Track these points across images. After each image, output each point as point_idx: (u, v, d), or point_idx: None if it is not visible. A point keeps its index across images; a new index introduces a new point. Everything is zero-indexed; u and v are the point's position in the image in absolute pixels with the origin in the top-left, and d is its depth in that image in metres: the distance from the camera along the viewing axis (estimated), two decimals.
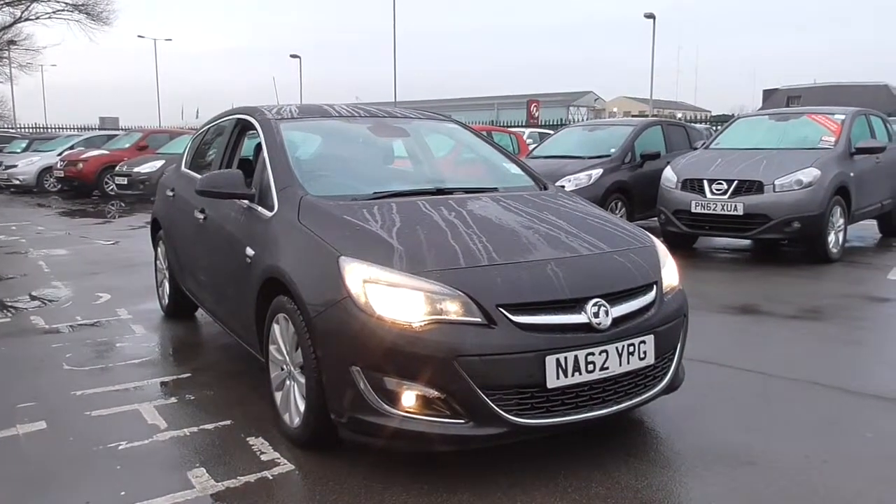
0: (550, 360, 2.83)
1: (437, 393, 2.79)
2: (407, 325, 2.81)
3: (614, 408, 3.01)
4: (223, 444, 3.36)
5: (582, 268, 3.11)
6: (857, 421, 3.54)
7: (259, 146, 4.14)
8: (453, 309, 2.83)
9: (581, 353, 2.88)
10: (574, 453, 3.19)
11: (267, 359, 3.56)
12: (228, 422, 3.61)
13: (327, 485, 2.95)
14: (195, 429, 3.53)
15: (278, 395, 3.48)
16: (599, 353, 2.92)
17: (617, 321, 3.00)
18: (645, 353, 3.07)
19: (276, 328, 3.42)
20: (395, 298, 2.87)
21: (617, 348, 2.96)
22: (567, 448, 3.23)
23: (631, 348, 3.01)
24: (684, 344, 3.38)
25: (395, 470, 3.05)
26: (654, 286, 3.26)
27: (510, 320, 2.82)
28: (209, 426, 3.56)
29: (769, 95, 18.62)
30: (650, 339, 3.10)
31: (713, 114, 33.84)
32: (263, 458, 3.21)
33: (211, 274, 4.44)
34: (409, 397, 2.84)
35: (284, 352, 3.37)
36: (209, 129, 5.39)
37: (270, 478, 3.03)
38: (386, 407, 2.85)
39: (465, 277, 2.92)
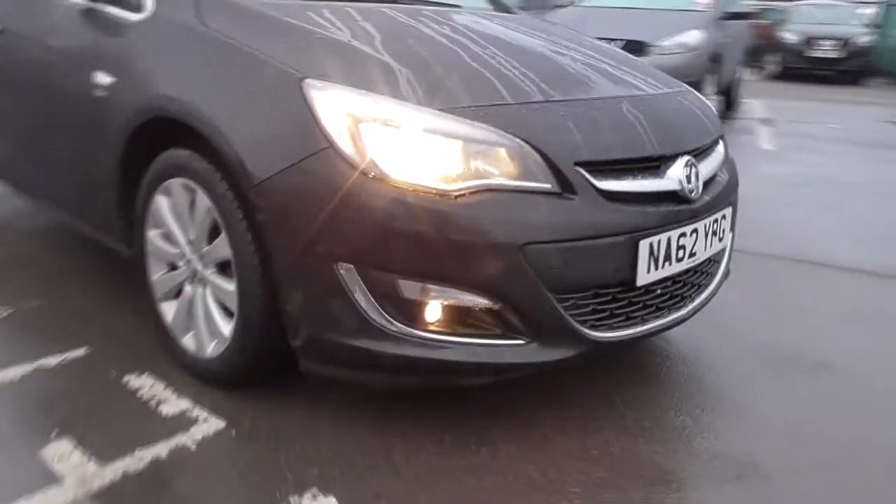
0: (644, 247, 1.88)
1: (486, 302, 1.75)
2: (438, 193, 1.70)
3: (690, 306, 2.15)
4: (89, 392, 2.08)
5: (658, 112, 2.14)
6: None
7: None
8: (512, 169, 1.76)
9: (674, 235, 1.96)
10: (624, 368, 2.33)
11: (143, 252, 2.26)
12: (81, 350, 2.30)
13: (287, 448, 1.85)
14: (28, 367, 2.19)
15: (169, 308, 2.23)
16: (690, 234, 2.02)
17: (704, 188, 2.11)
18: (723, 231, 2.24)
19: (163, 203, 2.14)
20: (413, 150, 1.73)
21: (705, 226, 2.08)
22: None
23: (715, 226, 2.15)
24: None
25: (366, 411, 2.01)
26: (721, 141, 2.40)
27: (594, 187, 1.81)
28: (51, 360, 2.23)
29: None
30: (729, 212, 2.26)
31: None
32: (165, 410, 2.00)
33: (18, 119, 2.88)
34: (435, 309, 1.77)
35: (183, 241, 2.11)
36: None
37: (193, 448, 1.85)
38: (398, 325, 1.77)
39: (522, 120, 1.84)
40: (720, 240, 2.21)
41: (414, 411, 2.03)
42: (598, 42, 2.73)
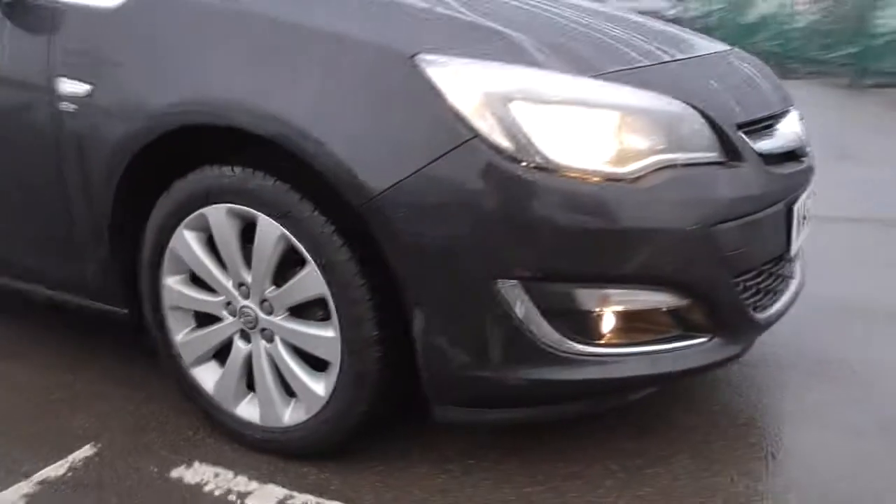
0: (794, 213, 1.69)
1: (672, 299, 1.47)
2: (612, 178, 1.39)
3: (801, 271, 1.99)
4: (134, 500, 1.56)
5: (755, 66, 1.95)
6: None
7: None
8: (682, 139, 1.48)
9: (803, 197, 1.78)
10: None
11: (156, 307, 1.74)
12: (87, 448, 1.74)
13: None
14: (26, 483, 1.61)
15: (207, 374, 1.74)
16: (807, 197, 1.86)
17: None
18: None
19: (190, 240, 1.64)
20: (575, 128, 1.40)
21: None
22: None
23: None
24: None
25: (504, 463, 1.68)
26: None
27: (755, 152, 1.58)
28: (53, 471, 1.66)
29: None
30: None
31: None
32: None
33: None
34: (611, 319, 1.47)
35: (229, 285, 1.63)
36: None
37: None
38: (576, 345, 1.44)
39: (672, 81, 1.57)
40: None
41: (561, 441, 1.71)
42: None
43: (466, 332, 1.43)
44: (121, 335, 2.21)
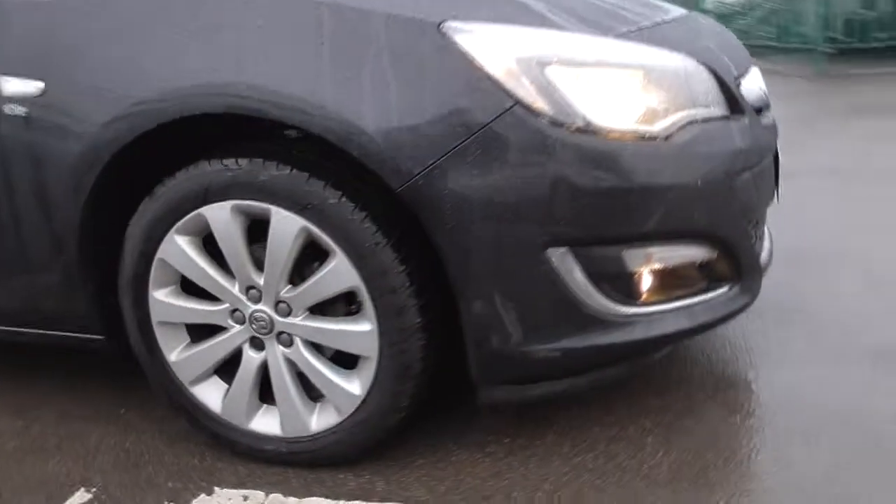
0: (779, 160, 1.77)
1: (705, 251, 1.50)
2: (648, 137, 1.39)
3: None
4: None
5: (717, 26, 2.02)
6: None
7: None
8: (698, 95, 1.50)
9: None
10: None
11: (144, 327, 1.56)
12: (80, 495, 1.54)
13: None
14: None
15: (210, 391, 1.60)
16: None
17: None
18: None
19: (184, 246, 1.48)
20: (609, 89, 1.39)
21: None
22: None
23: None
24: None
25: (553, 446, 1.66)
26: None
27: (750, 105, 1.63)
28: None
29: None
30: None
31: None
32: None
33: None
34: (650, 278, 1.47)
35: (235, 290, 1.49)
36: None
37: None
38: (624, 307, 1.44)
39: (674, 40, 1.59)
40: None
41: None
42: None
43: (517, 306, 1.38)
44: (73, 367, 1.99)
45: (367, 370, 1.46)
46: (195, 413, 1.60)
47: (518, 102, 1.30)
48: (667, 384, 1.82)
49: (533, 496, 1.45)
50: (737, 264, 1.56)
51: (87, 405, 1.87)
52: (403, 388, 1.45)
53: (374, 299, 1.40)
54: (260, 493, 1.50)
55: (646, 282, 1.47)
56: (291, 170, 1.37)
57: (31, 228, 1.55)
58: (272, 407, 1.58)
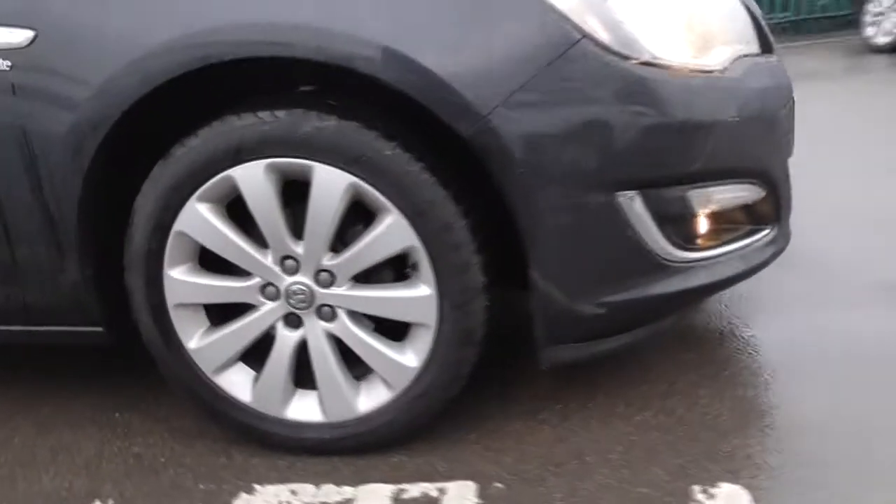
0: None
1: (756, 192, 1.46)
2: (708, 71, 1.34)
3: None
4: None
5: None
6: None
7: None
8: (739, 32, 1.46)
9: None
10: None
11: (157, 312, 1.39)
12: None
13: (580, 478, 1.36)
14: None
15: (237, 379, 1.43)
16: None
17: None
18: None
19: (206, 214, 1.32)
20: (668, 22, 1.33)
21: None
22: None
23: None
24: None
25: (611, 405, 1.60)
26: None
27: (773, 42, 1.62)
28: None
29: None
30: None
31: None
32: None
33: None
34: (706, 221, 1.43)
35: (268, 261, 1.34)
36: None
37: None
38: (685, 253, 1.38)
39: None
40: None
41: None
42: None
43: (589, 255, 1.30)
44: (38, 369, 1.77)
45: (423, 339, 1.34)
46: (219, 405, 1.43)
47: (585, 35, 1.21)
48: (695, 339, 1.78)
49: (606, 458, 1.37)
50: (777, 205, 1.53)
51: (68, 411, 1.66)
52: (466, 356, 1.34)
53: (433, 259, 1.28)
54: (309, 486, 1.35)
55: (703, 225, 1.42)
56: (338, 120, 1.23)
57: (16, 204, 1.34)
58: (307, 391, 1.44)
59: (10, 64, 1.26)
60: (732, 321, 1.85)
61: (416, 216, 1.25)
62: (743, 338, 1.77)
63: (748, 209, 1.49)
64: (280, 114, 1.24)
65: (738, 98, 1.35)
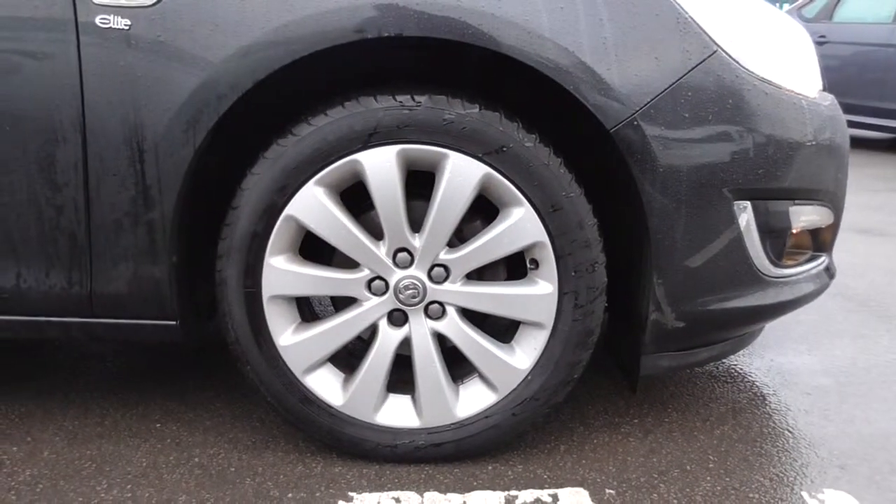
0: None
1: (827, 217, 1.54)
2: (806, 93, 1.42)
3: None
4: None
5: None
6: None
7: None
8: (816, 66, 1.57)
9: None
10: None
11: (250, 303, 1.29)
12: None
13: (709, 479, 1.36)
14: None
15: (329, 380, 1.35)
16: None
17: None
18: None
19: (323, 199, 1.25)
20: (778, 47, 1.41)
21: None
22: None
23: None
24: None
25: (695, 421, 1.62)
26: None
27: None
28: None
29: None
30: None
31: None
32: None
33: None
34: (791, 238, 1.49)
35: (381, 253, 1.28)
36: None
37: None
38: (776, 269, 1.44)
39: None
40: None
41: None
42: None
43: (702, 262, 1.32)
44: (51, 375, 1.60)
45: (535, 339, 1.31)
46: (306, 409, 1.33)
47: (719, 49, 1.27)
48: (743, 357, 1.84)
49: (706, 467, 1.37)
50: (834, 234, 1.62)
51: (96, 419, 1.49)
52: (580, 358, 1.32)
53: (559, 257, 1.26)
54: (411, 494, 1.27)
55: (790, 243, 1.48)
56: (481, 108, 1.22)
57: (108, 175, 1.21)
58: (398, 395, 1.36)
59: (128, 23, 1.16)
60: (781, 347, 1.93)
61: (551, 211, 1.24)
62: (791, 353, 1.84)
63: (814, 234, 1.57)
64: (421, 98, 1.21)
65: (831, 124, 1.44)
